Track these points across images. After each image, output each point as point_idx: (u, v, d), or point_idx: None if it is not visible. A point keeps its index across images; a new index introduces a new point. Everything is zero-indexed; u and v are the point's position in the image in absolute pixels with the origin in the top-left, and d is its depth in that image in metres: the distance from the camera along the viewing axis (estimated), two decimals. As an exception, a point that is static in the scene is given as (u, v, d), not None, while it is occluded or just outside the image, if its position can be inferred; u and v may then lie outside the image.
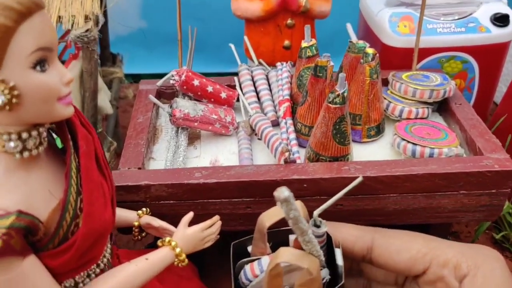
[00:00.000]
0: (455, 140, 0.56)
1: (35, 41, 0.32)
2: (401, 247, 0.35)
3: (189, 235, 0.45)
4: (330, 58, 0.55)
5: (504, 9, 0.70)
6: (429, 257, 0.34)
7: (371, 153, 0.58)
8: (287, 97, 0.61)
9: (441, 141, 0.55)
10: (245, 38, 0.72)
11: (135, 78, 1.12)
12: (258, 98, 0.64)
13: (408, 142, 0.55)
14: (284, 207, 0.29)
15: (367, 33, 0.75)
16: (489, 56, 0.70)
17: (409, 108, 0.60)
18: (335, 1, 0.74)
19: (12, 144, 0.34)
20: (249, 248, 0.39)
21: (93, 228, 0.37)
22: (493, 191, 0.52)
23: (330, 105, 0.50)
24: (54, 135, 0.40)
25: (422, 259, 0.34)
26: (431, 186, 0.52)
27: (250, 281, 0.37)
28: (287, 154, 0.52)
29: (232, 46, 0.69)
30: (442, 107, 0.64)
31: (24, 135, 0.35)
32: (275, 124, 0.61)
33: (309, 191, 0.51)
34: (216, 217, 0.49)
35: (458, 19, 0.70)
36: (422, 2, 0.63)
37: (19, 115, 0.33)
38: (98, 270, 0.40)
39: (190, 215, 0.47)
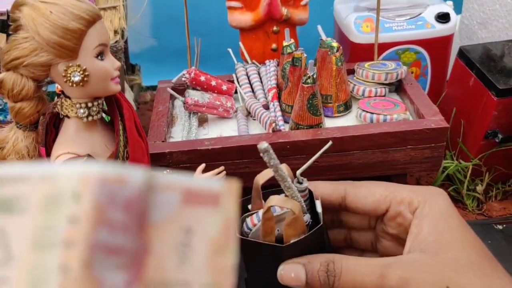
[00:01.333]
0: (404, 109, 0.72)
1: (97, 39, 0.49)
2: (367, 193, 0.42)
3: (203, 177, 0.60)
4: (304, 52, 0.72)
5: (446, 9, 0.87)
6: (389, 198, 0.40)
7: (341, 124, 0.74)
8: (274, 85, 0.78)
9: (393, 110, 0.71)
10: (240, 44, 0.89)
11: (148, 89, 1.30)
12: (252, 89, 0.81)
13: (367, 112, 0.71)
14: (265, 156, 0.35)
15: (339, 34, 0.92)
16: (436, 47, 0.86)
17: (370, 88, 0.76)
18: (315, 11, 0.90)
19: (81, 110, 0.51)
20: (249, 206, 0.45)
21: None
22: (432, 145, 0.68)
23: (304, 85, 0.67)
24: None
25: (384, 200, 0.41)
26: (385, 143, 0.68)
27: (251, 230, 0.43)
28: (273, 125, 0.69)
29: (230, 50, 0.86)
30: (399, 88, 0.80)
31: (89, 104, 0.51)
32: (266, 107, 0.77)
33: (291, 151, 0.68)
34: (222, 167, 0.62)
35: (409, 18, 0.87)
36: (378, 7, 0.80)
37: (86, 90, 0.50)
38: None
39: (202, 165, 0.63)
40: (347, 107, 0.76)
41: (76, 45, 0.47)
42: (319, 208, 0.41)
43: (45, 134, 0.54)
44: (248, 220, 0.43)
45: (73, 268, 0.16)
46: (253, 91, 0.80)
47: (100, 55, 0.49)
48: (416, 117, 0.72)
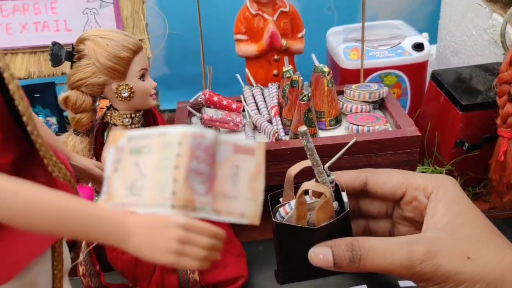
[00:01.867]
0: (385, 122, 0.86)
1: (140, 65, 0.63)
2: (386, 179, 0.46)
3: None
4: (300, 75, 0.86)
5: (420, 39, 1.02)
6: (405, 184, 0.45)
7: (332, 135, 0.88)
8: (276, 103, 0.92)
9: (375, 123, 0.86)
10: (246, 70, 1.04)
11: (164, 112, 1.44)
12: (257, 107, 0.95)
13: (354, 124, 0.86)
14: (303, 139, 0.40)
15: (331, 60, 1.08)
16: (413, 71, 1.02)
17: (356, 105, 0.91)
18: (311, 41, 1.06)
19: (127, 120, 0.65)
20: (281, 199, 0.48)
21: None
22: (408, 150, 0.82)
23: (301, 102, 0.82)
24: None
25: (401, 186, 0.45)
26: (369, 149, 0.82)
27: (283, 218, 0.47)
28: (276, 134, 0.83)
29: (238, 75, 1.01)
30: (381, 105, 0.95)
31: (133, 115, 0.65)
32: (269, 122, 0.92)
33: (290, 156, 0.81)
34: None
35: (390, 47, 1.02)
36: (362, 38, 0.95)
37: (131, 104, 0.64)
38: None
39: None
40: (337, 121, 0.90)
41: (125, 69, 0.62)
42: (345, 198, 0.45)
43: (94, 140, 0.68)
44: (281, 209, 0.46)
45: (179, 180, 0.30)
46: (258, 109, 0.95)
47: (142, 77, 0.64)
48: (395, 128, 0.86)
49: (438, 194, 0.42)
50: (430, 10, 1.37)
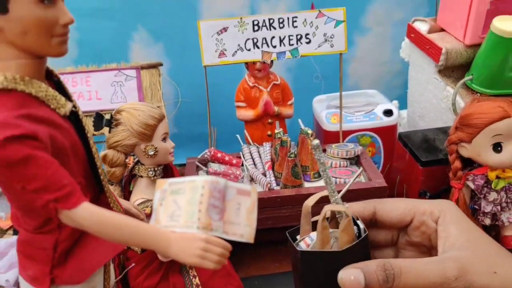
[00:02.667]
0: (359, 175, 1.05)
1: (163, 130, 0.82)
2: (393, 207, 0.46)
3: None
4: (288, 137, 1.06)
5: (390, 106, 1.23)
6: (413, 210, 0.44)
7: (315, 185, 1.07)
8: (269, 159, 1.11)
9: (351, 176, 1.04)
10: (245, 131, 1.24)
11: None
12: (254, 162, 1.14)
13: (334, 177, 1.04)
14: (316, 153, 0.39)
15: (316, 123, 1.28)
16: (385, 133, 1.21)
17: (335, 161, 1.09)
18: (301, 107, 1.25)
19: (151, 172, 0.83)
20: (298, 237, 0.46)
21: None
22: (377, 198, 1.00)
23: (288, 158, 1.00)
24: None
25: (408, 212, 0.44)
26: (345, 198, 0.99)
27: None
28: (269, 185, 1.01)
29: (238, 136, 1.20)
30: (357, 161, 1.13)
31: (155, 169, 0.84)
32: (264, 174, 1.10)
33: (281, 203, 0.99)
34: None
35: (365, 113, 1.22)
36: (340, 106, 1.15)
37: (155, 160, 0.83)
38: None
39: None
40: (319, 175, 1.09)
41: (152, 134, 0.81)
42: (361, 224, 0.45)
43: (123, 188, 0.86)
44: (301, 243, 0.45)
45: (202, 211, 0.48)
46: (254, 163, 1.13)
47: (164, 139, 0.83)
48: (367, 180, 1.05)
49: (446, 217, 0.43)
50: (404, 80, 1.59)
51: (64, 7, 0.47)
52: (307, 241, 0.45)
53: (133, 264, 0.81)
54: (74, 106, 0.49)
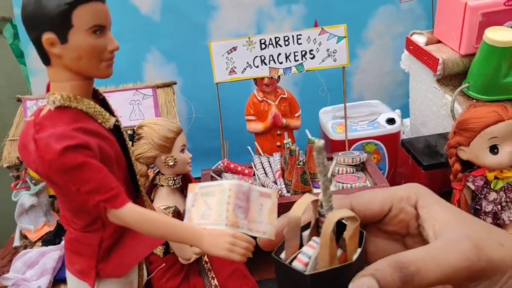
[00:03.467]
0: (364, 180, 1.11)
1: (181, 142, 0.90)
2: (371, 198, 0.43)
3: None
4: (297, 146, 1.13)
5: (393, 115, 1.30)
6: (390, 198, 0.42)
7: (324, 192, 1.13)
8: (279, 168, 1.18)
9: (356, 181, 1.10)
10: (256, 143, 1.31)
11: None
12: (265, 172, 1.20)
13: (340, 183, 1.10)
14: (319, 155, 0.35)
15: (323, 133, 1.35)
16: (388, 140, 1.28)
17: (342, 168, 1.16)
18: (308, 119, 1.32)
19: (171, 182, 0.90)
20: (282, 255, 0.39)
21: None
22: (382, 201, 1.06)
23: (297, 166, 1.07)
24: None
25: (386, 201, 0.42)
26: (352, 201, 1.05)
27: (304, 271, 0.37)
28: (279, 192, 1.08)
29: (249, 148, 1.28)
30: (363, 168, 1.19)
31: (175, 178, 0.91)
32: (274, 182, 1.16)
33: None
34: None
35: (369, 122, 1.29)
36: (345, 116, 1.22)
37: (174, 170, 0.90)
38: None
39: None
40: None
41: (171, 146, 0.88)
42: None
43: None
44: (296, 263, 0.37)
45: (229, 210, 0.55)
46: (265, 173, 1.20)
47: (182, 150, 0.91)
48: (372, 185, 1.11)
49: (425, 199, 0.40)
50: (406, 89, 1.66)
51: (111, 35, 0.55)
52: (303, 259, 0.38)
53: (163, 264, 0.87)
54: (117, 120, 0.56)
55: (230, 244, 0.51)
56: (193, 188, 0.55)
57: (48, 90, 0.55)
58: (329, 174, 0.39)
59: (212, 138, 1.46)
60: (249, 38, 1.16)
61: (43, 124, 0.51)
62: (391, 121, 1.28)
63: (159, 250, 0.92)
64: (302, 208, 0.39)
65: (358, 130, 1.28)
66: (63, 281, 1.00)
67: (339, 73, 1.25)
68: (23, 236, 1.17)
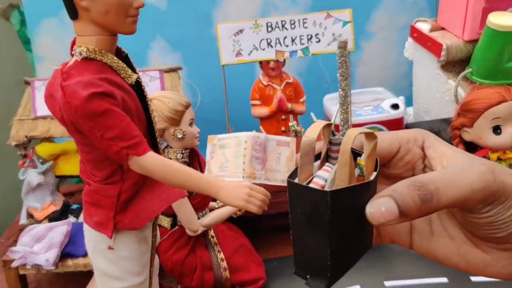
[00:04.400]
0: (368, 161, 1.12)
1: (189, 115, 0.91)
2: (379, 140, 0.39)
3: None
4: (302, 126, 1.14)
5: (396, 101, 1.31)
6: (398, 140, 0.40)
7: (329, 173, 1.14)
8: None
9: (361, 162, 1.12)
10: (261, 127, 1.32)
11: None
12: (270, 154, 1.22)
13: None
14: (343, 52, 0.33)
15: (327, 118, 1.36)
16: (392, 125, 1.29)
17: (347, 150, 1.17)
18: (311, 109, 1.34)
19: (179, 155, 0.92)
20: (296, 180, 0.36)
21: None
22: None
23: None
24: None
25: (394, 142, 0.40)
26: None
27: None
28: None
29: (254, 131, 1.29)
30: (367, 151, 1.21)
31: (183, 151, 0.92)
32: (279, 164, 1.18)
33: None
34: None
35: (373, 107, 1.30)
36: (350, 101, 1.23)
37: (183, 143, 0.91)
38: None
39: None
40: (332, 163, 1.16)
41: (180, 119, 0.90)
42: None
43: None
44: (313, 185, 0.35)
45: (246, 162, 0.56)
46: (270, 155, 1.21)
47: (191, 124, 0.92)
48: (376, 166, 1.12)
49: (430, 140, 0.40)
50: (409, 81, 1.68)
51: None
52: (319, 182, 0.36)
53: (177, 227, 0.88)
54: (138, 77, 0.58)
55: (247, 195, 0.52)
56: (212, 139, 0.57)
57: (73, 44, 0.57)
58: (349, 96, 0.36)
59: (216, 128, 1.47)
60: (255, 21, 1.17)
61: (70, 73, 0.52)
62: (395, 106, 1.30)
63: (166, 222, 0.93)
64: (316, 131, 0.35)
65: (362, 115, 1.30)
66: (70, 255, 1.01)
67: (343, 61, 1.26)
68: (29, 215, 1.18)
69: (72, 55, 0.57)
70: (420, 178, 0.34)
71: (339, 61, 0.35)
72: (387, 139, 0.40)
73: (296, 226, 0.35)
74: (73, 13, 0.55)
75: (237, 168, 0.52)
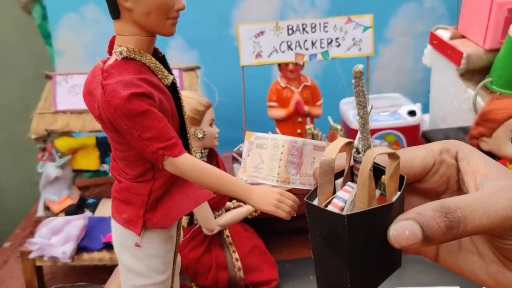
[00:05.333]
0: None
1: (210, 116, 0.91)
2: (412, 155, 0.39)
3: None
4: (319, 130, 1.14)
5: (414, 107, 1.31)
6: (431, 153, 0.39)
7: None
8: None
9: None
10: (277, 129, 1.32)
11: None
12: (285, 156, 1.22)
13: (361, 168, 1.12)
14: (359, 81, 0.33)
15: (344, 123, 1.36)
16: (409, 132, 1.29)
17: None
18: (327, 113, 1.34)
19: (198, 154, 0.92)
20: (315, 202, 0.37)
21: None
22: (402, 187, 1.07)
23: (320, 149, 1.09)
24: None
25: (428, 157, 0.39)
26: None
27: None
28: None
29: (270, 133, 1.29)
30: (383, 157, 1.21)
31: (202, 151, 0.92)
32: (295, 167, 1.18)
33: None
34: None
35: (390, 113, 1.30)
36: (367, 105, 1.24)
37: (203, 143, 0.92)
38: None
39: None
40: (348, 167, 1.16)
41: (200, 119, 0.90)
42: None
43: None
44: (331, 207, 0.35)
45: (281, 167, 0.56)
46: (286, 157, 1.22)
47: (211, 124, 0.93)
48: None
49: (464, 151, 0.38)
50: (425, 88, 1.67)
51: None
52: (338, 203, 0.36)
53: (195, 225, 0.89)
54: (174, 79, 0.58)
55: (277, 201, 0.53)
56: (249, 136, 0.56)
57: (112, 43, 0.57)
58: (368, 108, 0.36)
59: (232, 128, 1.47)
60: (276, 23, 1.18)
61: (110, 72, 0.53)
62: (412, 113, 1.30)
63: (183, 220, 0.94)
64: (335, 150, 0.35)
65: (379, 120, 1.30)
66: (86, 249, 1.03)
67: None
68: (46, 208, 1.19)
69: (111, 54, 0.58)
70: (448, 204, 0.33)
71: (355, 90, 0.34)
72: (420, 155, 0.39)
73: (315, 246, 0.35)
74: (116, 13, 0.56)
75: (272, 172, 0.52)
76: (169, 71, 0.58)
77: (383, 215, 0.34)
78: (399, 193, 0.35)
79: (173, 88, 0.59)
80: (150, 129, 0.52)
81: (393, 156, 0.35)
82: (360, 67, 0.34)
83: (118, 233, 0.61)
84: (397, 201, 0.34)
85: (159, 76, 0.56)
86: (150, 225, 0.58)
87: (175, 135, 0.54)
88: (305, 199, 0.36)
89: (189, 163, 0.53)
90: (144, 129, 0.52)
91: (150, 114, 0.52)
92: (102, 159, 1.24)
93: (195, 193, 0.60)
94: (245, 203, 0.59)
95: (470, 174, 0.37)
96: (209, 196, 0.61)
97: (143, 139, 0.52)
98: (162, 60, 0.59)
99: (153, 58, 0.56)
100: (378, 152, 0.34)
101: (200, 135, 0.90)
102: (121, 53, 0.53)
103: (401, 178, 0.36)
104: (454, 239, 0.34)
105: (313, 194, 0.37)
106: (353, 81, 0.34)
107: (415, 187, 0.40)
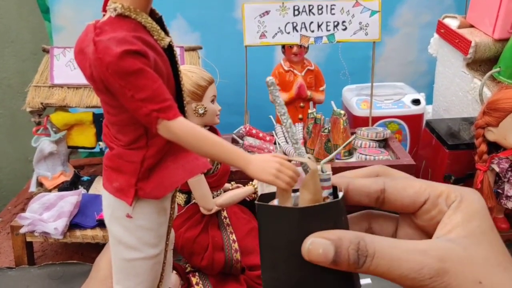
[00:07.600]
0: (387, 154, 1.10)
1: (212, 92, 0.89)
2: (406, 185, 0.40)
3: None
4: (322, 114, 1.12)
5: (418, 96, 1.29)
6: (428, 190, 0.39)
7: (346, 161, 1.12)
8: (301, 138, 1.17)
9: (379, 154, 1.09)
10: (277, 113, 1.30)
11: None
12: (286, 141, 1.20)
13: (363, 154, 1.09)
14: (272, 90, 0.38)
15: (346, 110, 1.33)
16: (412, 120, 1.27)
17: (365, 142, 1.15)
18: (329, 99, 1.32)
19: (198, 131, 0.90)
20: (276, 202, 0.42)
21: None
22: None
23: (322, 133, 1.06)
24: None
25: (423, 192, 0.39)
26: (374, 173, 1.05)
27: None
28: (302, 158, 1.07)
29: (271, 117, 1.27)
30: (385, 144, 1.19)
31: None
32: (296, 151, 1.16)
33: (313, 174, 1.04)
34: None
35: (394, 101, 1.28)
36: (371, 94, 1.21)
37: (203, 119, 0.89)
38: None
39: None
40: (350, 154, 1.14)
41: (202, 94, 0.88)
42: (340, 194, 0.40)
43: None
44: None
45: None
46: (286, 141, 1.19)
47: (212, 101, 0.90)
48: (395, 159, 1.10)
49: (461, 204, 0.38)
50: (429, 79, 1.65)
51: None
52: (274, 203, 0.42)
53: (191, 204, 0.86)
54: (171, 41, 0.55)
55: (276, 171, 0.50)
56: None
57: (106, 0, 0.54)
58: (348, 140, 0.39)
59: (231, 113, 1.44)
60: (283, 3, 1.15)
61: (103, 29, 0.50)
62: (416, 102, 1.27)
63: (180, 199, 0.91)
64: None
65: (382, 108, 1.27)
66: (79, 226, 1.00)
67: (362, 59, 1.24)
68: (39, 184, 1.16)
69: (105, 12, 0.54)
70: (366, 240, 0.35)
71: (271, 100, 0.38)
72: (415, 187, 0.40)
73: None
74: (110, -30, 0.53)
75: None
76: (166, 33, 0.55)
77: (292, 219, 0.37)
78: (317, 204, 0.37)
79: (170, 52, 0.56)
80: (143, 89, 0.48)
81: (305, 166, 0.40)
82: (271, 78, 0.39)
83: (109, 204, 0.58)
84: (308, 212, 0.37)
85: (155, 37, 0.53)
86: (142, 195, 0.55)
87: (170, 98, 0.50)
88: (255, 201, 0.41)
89: (185, 127, 0.50)
90: (137, 89, 0.48)
91: (144, 73, 0.48)
92: (99, 137, 1.21)
93: (191, 163, 0.57)
94: (245, 183, 0.56)
95: (441, 225, 0.38)
96: (205, 168, 0.58)
97: (136, 100, 0.48)
98: (159, 21, 0.56)
99: (149, 18, 0.53)
100: (293, 159, 0.41)
101: (201, 111, 0.88)
102: (115, 9, 0.50)
103: (335, 188, 0.41)
104: (355, 272, 0.37)
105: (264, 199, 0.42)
106: (270, 92, 0.39)
107: (411, 219, 0.41)
